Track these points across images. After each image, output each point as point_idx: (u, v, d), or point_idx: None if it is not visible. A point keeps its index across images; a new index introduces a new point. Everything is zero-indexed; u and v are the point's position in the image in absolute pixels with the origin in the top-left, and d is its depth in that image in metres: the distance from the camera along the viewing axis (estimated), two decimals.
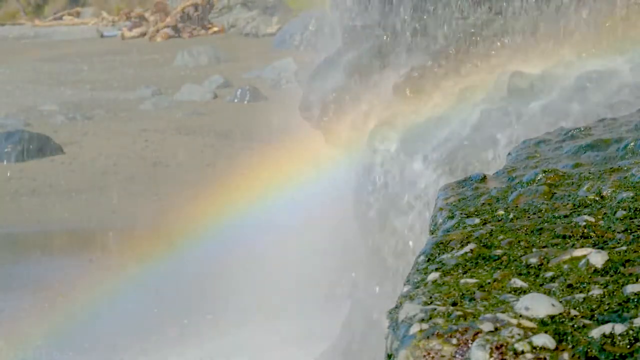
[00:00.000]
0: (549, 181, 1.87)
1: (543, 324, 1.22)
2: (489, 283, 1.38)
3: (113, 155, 11.38)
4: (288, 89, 12.95)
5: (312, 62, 5.62)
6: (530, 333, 1.20)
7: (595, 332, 1.19)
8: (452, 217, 1.74)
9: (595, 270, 1.38)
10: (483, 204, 1.80)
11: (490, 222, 1.67)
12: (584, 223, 1.58)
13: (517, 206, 1.75)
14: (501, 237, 1.56)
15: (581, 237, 1.53)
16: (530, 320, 1.23)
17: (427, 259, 1.54)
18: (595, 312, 1.26)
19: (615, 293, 1.30)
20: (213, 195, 8.26)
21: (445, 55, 4.48)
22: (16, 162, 11.29)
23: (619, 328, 1.19)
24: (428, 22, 4.59)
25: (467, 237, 1.57)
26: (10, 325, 6.60)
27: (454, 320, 1.25)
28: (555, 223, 1.61)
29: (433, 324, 1.25)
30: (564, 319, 1.23)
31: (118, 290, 6.99)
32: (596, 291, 1.31)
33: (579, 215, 1.64)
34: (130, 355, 6.20)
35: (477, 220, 1.69)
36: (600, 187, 1.76)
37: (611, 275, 1.36)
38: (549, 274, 1.39)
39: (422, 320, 1.26)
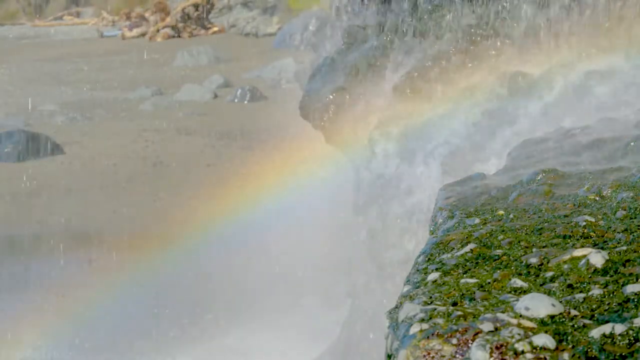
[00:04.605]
0: (549, 181, 1.86)
1: (543, 324, 1.22)
2: (489, 283, 1.37)
3: (113, 155, 11.36)
4: (288, 89, 12.92)
5: (312, 62, 5.62)
6: (530, 333, 1.19)
7: (595, 332, 1.19)
8: (452, 217, 1.74)
9: (595, 270, 1.38)
10: (483, 204, 1.80)
11: (490, 222, 1.67)
12: (584, 223, 1.58)
13: (517, 206, 1.75)
14: (501, 237, 1.56)
15: (581, 237, 1.53)
16: (531, 320, 1.23)
17: (427, 258, 1.54)
18: (595, 312, 1.26)
19: (615, 293, 1.30)
20: (213, 196, 8.26)
21: (445, 55, 4.48)
22: (16, 162, 11.28)
23: (619, 328, 1.19)
24: (428, 22, 4.58)
25: (467, 237, 1.57)
26: (10, 325, 6.60)
27: (454, 320, 1.24)
28: (555, 223, 1.61)
29: (433, 324, 1.25)
30: (564, 319, 1.23)
31: (118, 291, 6.99)
32: (596, 291, 1.31)
33: (579, 215, 1.63)
34: (130, 356, 6.20)
35: (477, 220, 1.69)
36: (600, 187, 1.75)
37: (611, 275, 1.36)
38: (549, 274, 1.39)
39: (422, 320, 1.26)
